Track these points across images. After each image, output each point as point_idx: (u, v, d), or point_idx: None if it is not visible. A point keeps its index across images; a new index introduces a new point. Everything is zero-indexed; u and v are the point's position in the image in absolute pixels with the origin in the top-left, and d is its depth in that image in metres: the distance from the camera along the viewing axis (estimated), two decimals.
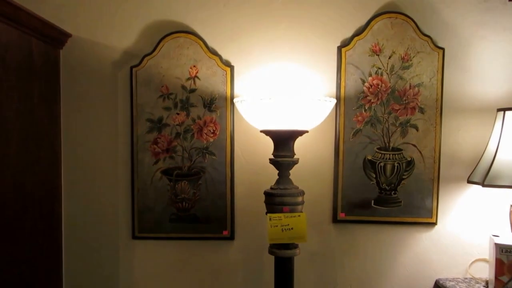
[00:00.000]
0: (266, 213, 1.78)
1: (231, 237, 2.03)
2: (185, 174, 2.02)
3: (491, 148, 1.86)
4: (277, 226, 1.74)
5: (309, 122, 1.77)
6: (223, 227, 2.03)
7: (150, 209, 2.03)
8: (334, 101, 1.81)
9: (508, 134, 1.80)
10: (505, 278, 1.62)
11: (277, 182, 1.81)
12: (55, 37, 1.93)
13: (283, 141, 1.78)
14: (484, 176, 1.80)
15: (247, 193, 2.04)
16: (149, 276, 2.07)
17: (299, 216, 1.76)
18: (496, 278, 1.63)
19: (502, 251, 1.63)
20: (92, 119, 2.04)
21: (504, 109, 1.84)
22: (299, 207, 1.78)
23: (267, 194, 1.79)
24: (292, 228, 1.74)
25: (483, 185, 1.79)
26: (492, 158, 1.81)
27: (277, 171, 1.82)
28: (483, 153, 1.90)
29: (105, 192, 2.05)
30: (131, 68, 2.00)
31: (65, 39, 2.00)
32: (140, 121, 2.01)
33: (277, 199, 1.75)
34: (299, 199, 1.78)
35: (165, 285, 2.07)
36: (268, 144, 1.89)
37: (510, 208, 1.85)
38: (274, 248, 1.77)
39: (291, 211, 1.76)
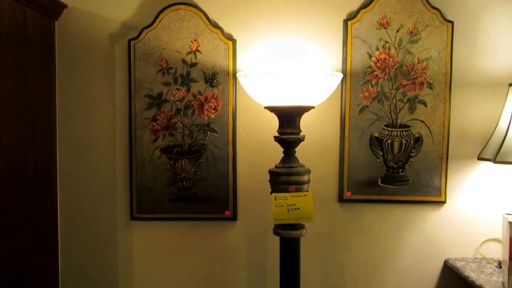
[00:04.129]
0: (271, 193, 1.72)
1: (234, 218, 1.97)
2: (185, 152, 1.94)
3: (503, 123, 1.80)
4: (282, 206, 1.68)
5: (315, 97, 1.70)
6: (225, 207, 1.96)
7: (149, 189, 1.95)
8: (341, 75, 1.74)
9: None
10: None
11: (283, 160, 1.74)
12: (50, 8, 1.85)
13: (289, 117, 1.72)
14: (496, 153, 1.75)
15: (250, 172, 1.97)
16: (149, 257, 2.01)
17: (305, 195, 1.70)
18: (510, 258, 1.57)
19: None
20: (88, 95, 1.96)
21: None
22: (305, 186, 1.72)
23: (272, 173, 1.72)
24: (298, 208, 1.68)
25: (495, 162, 1.74)
26: (504, 134, 1.76)
27: (282, 149, 1.75)
28: (495, 129, 1.85)
29: (102, 171, 1.98)
30: (129, 41, 1.92)
31: (60, 9, 1.91)
32: (139, 97, 1.93)
33: (283, 178, 1.69)
34: (305, 177, 1.72)
35: (165, 267, 2.01)
36: (272, 121, 1.83)
37: None
38: (279, 228, 1.71)
39: (297, 190, 1.70)
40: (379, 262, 2.00)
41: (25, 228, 1.71)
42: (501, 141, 1.75)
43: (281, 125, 1.73)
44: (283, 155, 1.75)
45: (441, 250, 1.97)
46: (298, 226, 1.71)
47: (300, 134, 1.73)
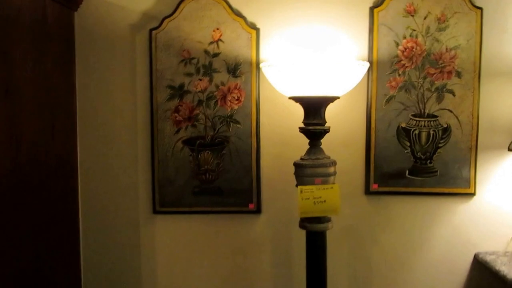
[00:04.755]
0: (297, 185, 1.68)
1: (258, 211, 1.94)
2: (208, 144, 1.91)
3: None
4: (308, 198, 1.65)
5: (341, 87, 1.66)
6: (249, 200, 1.92)
7: (171, 182, 1.92)
8: (367, 64, 1.70)
9: None
10: None
11: (308, 152, 1.71)
12: None
13: (314, 108, 1.68)
14: None
15: (274, 164, 1.93)
16: (171, 251, 1.99)
17: (331, 188, 1.67)
18: None
19: None
20: (109, 86, 1.93)
21: None
22: (331, 178, 1.69)
23: (297, 165, 1.68)
24: (324, 201, 1.65)
25: None
26: None
27: (306, 141, 1.71)
28: None
29: (124, 164, 1.95)
30: (150, 31, 1.88)
31: (80, 0, 1.87)
32: (160, 88, 1.90)
33: (309, 171, 1.65)
34: (332, 169, 1.68)
35: (188, 261, 1.99)
36: (295, 112, 1.79)
37: None
38: (305, 222, 1.68)
39: (323, 182, 1.66)
40: (407, 256, 1.96)
41: (47, 222, 1.69)
42: None
43: (306, 116, 1.69)
44: (308, 146, 1.72)
45: (470, 243, 1.93)
46: (325, 219, 1.69)
47: (326, 125, 1.70)
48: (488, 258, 1.83)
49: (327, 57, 1.81)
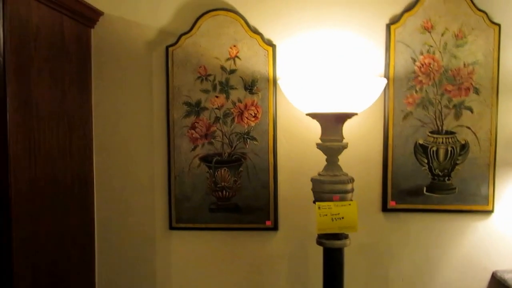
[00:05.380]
0: (314, 202, 1.67)
1: (275, 228, 1.93)
2: (225, 161, 1.91)
3: None
4: (326, 215, 1.64)
5: (359, 103, 1.66)
6: (266, 217, 1.92)
7: (188, 198, 1.92)
8: (385, 80, 1.71)
9: None
10: None
11: (326, 168, 1.70)
12: (86, 15, 1.82)
13: (332, 124, 1.68)
14: None
15: (291, 181, 1.93)
16: (187, 268, 1.98)
17: (349, 204, 1.66)
18: None
19: None
20: (125, 103, 1.94)
21: None
22: (349, 195, 1.68)
23: (315, 181, 1.68)
24: (342, 218, 1.64)
25: None
26: None
27: (323, 157, 1.71)
28: None
29: (140, 180, 1.95)
30: (167, 47, 1.89)
31: (96, 17, 1.89)
32: (177, 105, 1.90)
33: (327, 187, 1.65)
34: (349, 186, 1.68)
35: (204, 277, 1.98)
36: (312, 129, 1.79)
37: None
38: (323, 238, 1.68)
39: (341, 199, 1.66)
40: (425, 274, 1.95)
41: (63, 237, 1.70)
42: None
43: (323, 132, 1.70)
44: (325, 163, 1.71)
45: (488, 261, 1.92)
46: (342, 236, 1.68)
47: (343, 142, 1.69)
48: (507, 277, 1.82)
49: (344, 74, 1.81)
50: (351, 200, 1.68)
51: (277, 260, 1.96)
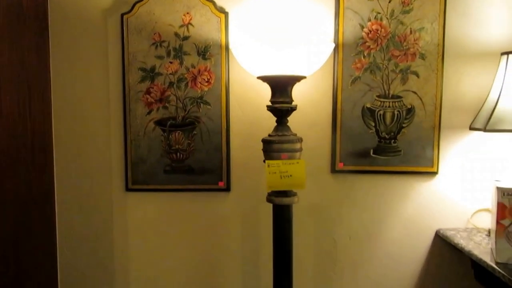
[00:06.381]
0: (264, 161, 1.73)
1: (227, 189, 1.99)
2: (179, 125, 1.96)
3: (494, 92, 1.80)
4: (275, 173, 1.70)
5: (307, 66, 1.71)
6: (218, 178, 1.98)
7: (143, 161, 1.98)
8: (333, 44, 1.77)
9: None
10: (506, 221, 1.57)
11: (275, 129, 1.76)
12: None
13: (281, 87, 1.73)
14: (486, 122, 1.75)
15: (243, 143, 1.98)
16: (144, 228, 2.03)
17: (297, 163, 1.71)
18: (497, 222, 1.58)
19: (504, 194, 1.57)
20: (82, 69, 1.97)
21: (508, 53, 1.78)
22: (298, 154, 1.74)
23: (265, 141, 1.74)
24: (290, 175, 1.70)
25: (485, 130, 1.75)
26: (495, 103, 1.76)
27: (275, 120, 1.77)
28: (486, 98, 1.85)
29: (97, 144, 2.00)
30: (122, 15, 1.93)
31: None
32: (132, 70, 1.95)
33: (276, 146, 1.71)
34: (298, 146, 1.74)
35: (160, 237, 2.04)
36: (264, 94, 1.84)
37: None
38: (272, 195, 1.74)
39: (290, 158, 1.71)
40: (371, 232, 2.01)
41: (25, 200, 1.75)
42: (492, 109, 1.76)
43: (273, 95, 1.74)
44: (276, 125, 1.77)
45: (433, 220, 1.98)
46: (290, 193, 1.74)
47: (293, 104, 1.75)
48: (449, 234, 1.89)
49: (292, 37, 1.86)
50: (299, 159, 1.74)
51: (230, 220, 2.02)
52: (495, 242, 1.60)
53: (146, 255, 2.05)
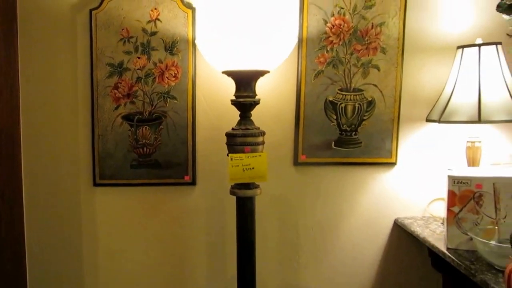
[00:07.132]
0: (228, 154, 1.78)
1: (193, 182, 2.03)
2: (146, 119, 2.00)
3: (449, 85, 1.87)
4: (238, 166, 1.74)
5: (270, 61, 1.75)
6: (184, 172, 2.02)
7: (111, 155, 2.01)
8: (296, 39, 1.81)
9: (466, 70, 1.80)
10: (456, 209, 1.64)
11: (239, 123, 1.80)
12: None
13: (245, 81, 1.77)
14: (441, 113, 1.82)
15: (209, 137, 2.03)
16: (111, 222, 2.06)
17: (260, 155, 1.76)
18: (448, 209, 1.65)
19: (454, 183, 1.64)
20: (50, 63, 1.99)
21: (463, 46, 1.84)
22: (260, 147, 1.79)
23: (228, 135, 1.78)
24: (253, 168, 1.74)
25: (439, 122, 1.81)
26: (449, 95, 1.82)
27: (239, 114, 1.81)
28: (442, 91, 1.91)
29: (65, 138, 2.02)
30: (90, 10, 1.95)
31: None
32: (100, 66, 1.98)
33: (239, 140, 1.75)
34: (260, 139, 1.78)
35: (127, 231, 2.07)
36: (230, 88, 1.88)
37: (467, 144, 1.87)
38: (235, 188, 1.78)
39: (252, 151, 1.76)
40: (333, 222, 2.07)
41: None
42: (446, 102, 1.82)
43: (237, 89, 1.78)
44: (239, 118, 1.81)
45: (391, 210, 2.05)
46: (253, 186, 1.78)
47: (256, 98, 1.79)
48: (406, 222, 1.96)
49: (255, 32, 1.90)
50: (262, 152, 1.79)
51: (196, 213, 2.06)
52: (447, 229, 1.67)
53: (114, 247, 2.08)
